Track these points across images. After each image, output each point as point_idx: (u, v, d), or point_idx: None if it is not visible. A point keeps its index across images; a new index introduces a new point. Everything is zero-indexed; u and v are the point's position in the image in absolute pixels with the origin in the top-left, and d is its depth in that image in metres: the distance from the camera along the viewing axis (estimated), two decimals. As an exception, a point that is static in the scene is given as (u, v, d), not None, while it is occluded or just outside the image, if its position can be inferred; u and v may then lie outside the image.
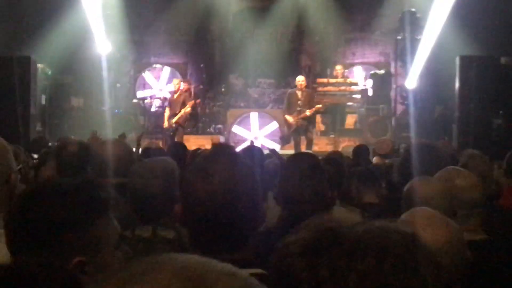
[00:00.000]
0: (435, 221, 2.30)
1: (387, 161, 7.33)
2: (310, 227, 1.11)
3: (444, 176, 3.47)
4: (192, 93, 15.43)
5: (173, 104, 14.07)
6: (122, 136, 8.82)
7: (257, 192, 1.94)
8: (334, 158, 4.56)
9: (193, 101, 14.20)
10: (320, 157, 4.52)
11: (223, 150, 2.03)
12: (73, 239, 1.61)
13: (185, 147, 7.60)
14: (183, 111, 13.82)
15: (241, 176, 1.89)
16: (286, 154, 7.68)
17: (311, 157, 3.30)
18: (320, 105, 13.75)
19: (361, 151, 7.57)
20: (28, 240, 1.63)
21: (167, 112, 14.16)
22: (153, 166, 3.04)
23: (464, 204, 3.21)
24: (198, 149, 9.27)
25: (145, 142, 15.46)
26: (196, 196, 1.85)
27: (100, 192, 1.70)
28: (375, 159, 8.29)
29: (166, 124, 14.05)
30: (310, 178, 3.09)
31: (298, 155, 3.33)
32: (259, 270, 1.86)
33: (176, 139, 13.89)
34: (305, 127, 13.41)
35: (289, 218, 3.03)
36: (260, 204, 1.96)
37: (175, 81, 14.57)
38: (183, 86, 14.40)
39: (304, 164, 3.16)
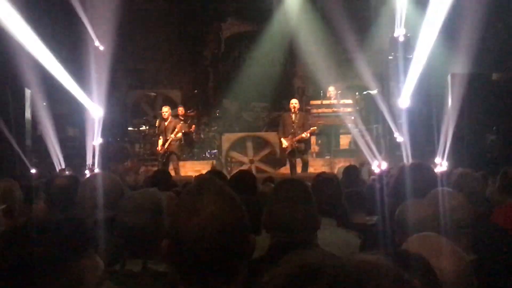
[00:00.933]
0: (439, 247, 2.28)
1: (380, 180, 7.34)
2: (291, 262, 1.10)
3: (433, 197, 3.49)
4: (186, 119, 15.50)
5: (166, 131, 14.14)
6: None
7: (245, 223, 1.91)
8: (330, 179, 4.55)
9: (180, 126, 14.25)
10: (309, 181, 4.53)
11: (209, 183, 2.02)
12: (54, 276, 1.61)
13: (168, 174, 7.61)
14: (173, 135, 13.88)
15: (228, 209, 1.86)
16: (282, 177, 7.71)
17: (300, 183, 3.29)
18: (315, 127, 13.82)
19: (350, 172, 7.60)
20: (8, 279, 1.62)
21: (161, 140, 14.22)
22: (140, 199, 3.00)
23: (453, 225, 3.20)
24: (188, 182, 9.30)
25: (141, 170, 15.53)
26: (183, 231, 1.83)
27: (83, 230, 1.70)
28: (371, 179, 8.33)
29: (160, 151, 14.11)
30: (300, 205, 3.09)
31: (287, 182, 3.32)
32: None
33: (171, 166, 13.93)
34: (300, 149, 13.46)
35: (279, 246, 3.02)
36: (249, 235, 1.93)
37: (165, 108, 14.60)
38: (175, 112, 14.51)
39: (293, 191, 3.15)
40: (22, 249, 1.63)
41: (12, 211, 4.86)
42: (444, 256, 2.22)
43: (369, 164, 13.27)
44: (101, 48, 15.78)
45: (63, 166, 12.89)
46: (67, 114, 16.23)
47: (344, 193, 5.11)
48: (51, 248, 1.63)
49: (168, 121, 14.22)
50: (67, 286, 1.63)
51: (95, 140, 14.90)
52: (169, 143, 13.94)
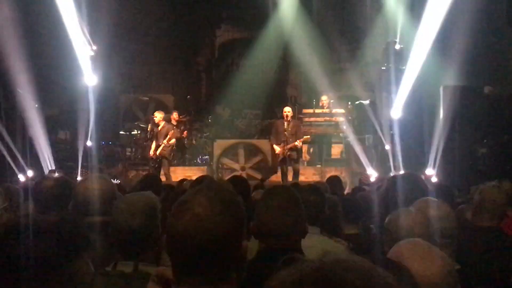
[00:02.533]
0: (426, 252, 2.33)
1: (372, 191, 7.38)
2: (295, 267, 1.11)
3: (419, 207, 3.52)
4: (178, 124, 15.51)
5: (158, 136, 14.14)
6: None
7: (241, 225, 1.94)
8: (316, 188, 4.58)
9: (173, 132, 14.25)
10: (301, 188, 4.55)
11: (208, 185, 2.03)
12: (49, 277, 1.62)
13: (158, 179, 7.62)
14: (166, 140, 13.89)
15: (218, 212, 1.88)
16: (273, 184, 7.73)
17: (289, 190, 3.32)
18: (308, 136, 13.87)
19: (334, 182, 7.73)
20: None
21: (153, 145, 14.21)
22: (134, 201, 3.03)
23: (437, 234, 3.25)
24: (184, 180, 9.30)
25: (132, 174, 15.52)
26: (180, 231, 1.86)
27: (76, 232, 1.71)
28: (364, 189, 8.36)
29: (152, 155, 14.11)
30: (289, 212, 3.12)
31: (276, 189, 3.35)
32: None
33: (162, 171, 13.93)
34: (292, 157, 13.48)
35: (268, 251, 3.04)
36: (240, 236, 1.95)
37: (157, 114, 14.61)
38: (167, 118, 14.52)
39: (282, 198, 3.18)
40: (13, 249, 1.63)
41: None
42: (429, 260, 2.26)
43: (360, 174, 13.32)
44: (93, 50, 15.74)
45: (53, 168, 12.85)
46: (58, 116, 16.21)
47: (332, 201, 5.14)
48: (45, 249, 1.64)
49: (160, 126, 14.23)
50: (62, 284, 1.63)
51: (86, 143, 14.87)
52: (162, 149, 13.94)
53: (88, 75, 15.43)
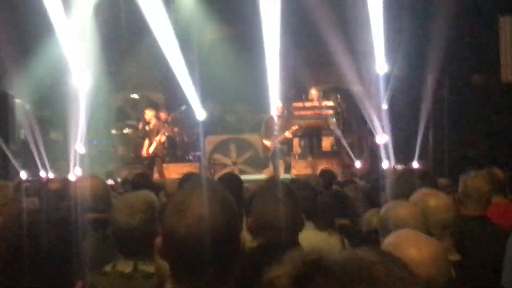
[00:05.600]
0: (418, 240, 2.36)
1: (362, 183, 7.45)
2: (294, 259, 1.10)
3: (418, 198, 3.54)
4: (169, 121, 15.51)
5: (150, 134, 14.16)
6: (110, 173, 8.82)
7: (235, 224, 1.95)
8: (307, 183, 4.63)
9: (164, 129, 14.27)
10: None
11: (201, 183, 2.04)
12: (78, 264, 1.68)
13: (148, 177, 7.64)
14: (157, 138, 13.91)
15: (217, 209, 1.89)
16: (265, 179, 7.77)
17: (284, 184, 3.35)
18: (296, 126, 13.91)
19: (325, 175, 7.79)
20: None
21: (146, 143, 14.22)
22: (134, 200, 3.05)
23: (437, 225, 3.24)
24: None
25: (124, 173, 15.52)
26: (173, 230, 1.86)
27: (72, 233, 1.75)
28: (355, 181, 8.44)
29: (144, 154, 14.12)
30: (285, 205, 3.14)
31: (270, 183, 3.38)
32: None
33: (155, 169, 13.96)
34: (283, 151, 13.54)
35: (264, 247, 3.06)
36: (239, 235, 1.97)
37: (148, 112, 14.62)
38: (158, 115, 14.53)
39: (278, 191, 3.21)
40: (15, 241, 1.69)
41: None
42: (421, 246, 2.30)
43: (351, 166, 13.39)
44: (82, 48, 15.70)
45: (48, 170, 12.87)
46: (51, 117, 16.19)
47: (327, 195, 5.20)
48: (42, 243, 1.68)
49: (151, 124, 14.24)
50: (56, 280, 1.67)
51: (78, 143, 14.87)
52: (154, 147, 13.96)
53: (79, 75, 15.40)
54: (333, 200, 5.41)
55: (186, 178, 5.62)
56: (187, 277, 1.87)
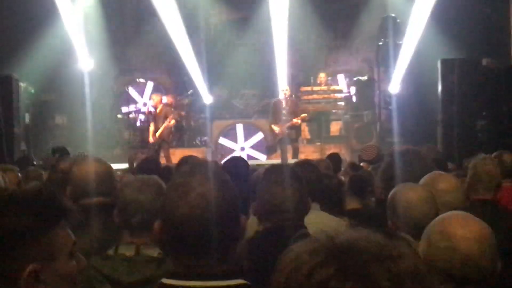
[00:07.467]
0: (467, 220, 2.42)
1: (371, 167, 7.37)
2: (309, 239, 1.12)
3: (427, 181, 3.51)
4: (176, 106, 15.45)
5: (156, 118, 14.09)
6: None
7: (236, 205, 1.95)
8: (310, 163, 4.59)
9: (173, 115, 14.20)
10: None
11: (201, 165, 2.04)
12: (26, 247, 1.62)
13: (157, 162, 7.61)
14: (165, 123, 13.84)
15: (218, 190, 1.90)
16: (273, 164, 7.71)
17: (289, 168, 3.34)
18: (306, 114, 13.86)
19: (333, 159, 7.79)
20: None
21: (151, 127, 14.15)
22: (143, 179, 3.07)
23: (446, 207, 3.21)
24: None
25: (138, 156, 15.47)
26: (175, 212, 1.87)
27: (55, 201, 1.71)
28: (361, 165, 8.36)
29: (151, 139, 14.05)
30: (291, 188, 3.12)
31: (275, 166, 3.37)
32: (242, 281, 1.88)
33: (162, 154, 13.91)
34: (291, 136, 13.47)
35: (272, 229, 3.05)
36: (239, 217, 1.96)
37: (154, 96, 14.59)
38: (165, 100, 14.46)
39: (283, 174, 3.19)
40: None
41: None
42: (471, 228, 2.34)
43: (359, 151, 13.28)
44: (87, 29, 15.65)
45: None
46: (55, 101, 16.15)
47: (334, 178, 5.15)
48: (25, 218, 1.64)
49: (158, 108, 14.17)
50: (41, 254, 1.64)
51: (83, 127, 14.86)
52: (161, 131, 13.89)
53: (84, 58, 15.34)
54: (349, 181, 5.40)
55: (184, 161, 5.68)
56: (187, 258, 1.87)
